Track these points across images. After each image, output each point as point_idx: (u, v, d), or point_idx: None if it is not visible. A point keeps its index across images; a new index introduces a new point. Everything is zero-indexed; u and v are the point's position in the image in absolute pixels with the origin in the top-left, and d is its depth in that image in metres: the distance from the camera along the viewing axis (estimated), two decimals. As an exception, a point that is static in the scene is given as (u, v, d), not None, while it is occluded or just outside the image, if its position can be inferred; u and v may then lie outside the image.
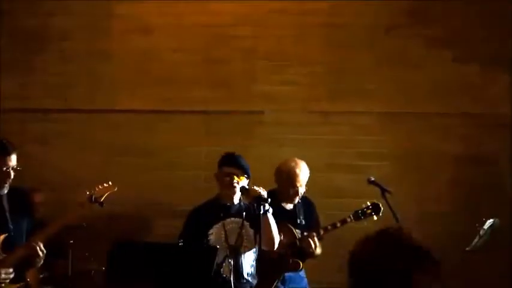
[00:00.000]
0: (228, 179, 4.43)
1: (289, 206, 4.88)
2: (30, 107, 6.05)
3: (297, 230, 4.81)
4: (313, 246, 4.70)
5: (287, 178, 4.80)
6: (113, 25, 6.09)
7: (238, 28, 5.96)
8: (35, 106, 6.05)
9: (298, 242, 4.77)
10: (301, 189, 4.81)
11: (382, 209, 4.65)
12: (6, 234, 3.91)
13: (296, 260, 4.77)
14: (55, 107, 6.05)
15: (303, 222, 4.88)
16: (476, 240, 4.61)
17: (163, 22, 6.04)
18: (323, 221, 4.90)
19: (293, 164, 4.83)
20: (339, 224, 4.71)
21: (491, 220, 4.59)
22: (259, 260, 4.47)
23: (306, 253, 4.77)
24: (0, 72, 6.10)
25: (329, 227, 4.71)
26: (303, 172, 4.81)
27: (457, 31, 5.70)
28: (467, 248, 4.60)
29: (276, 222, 4.43)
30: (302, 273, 4.88)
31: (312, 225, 4.88)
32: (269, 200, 4.26)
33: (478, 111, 5.66)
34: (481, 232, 4.60)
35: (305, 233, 4.78)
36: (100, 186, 4.12)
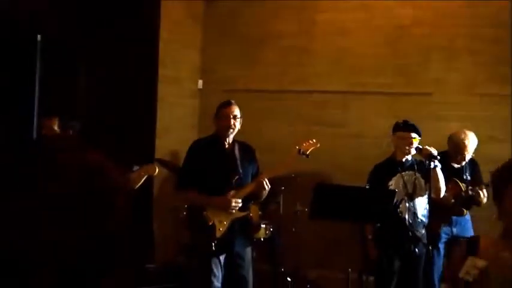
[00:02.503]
0: (406, 141, 4.84)
1: (457, 166, 5.33)
2: (253, 88, 6.89)
3: (462, 184, 5.24)
4: (482, 195, 5.17)
5: (456, 146, 5.24)
6: (316, 28, 6.82)
7: (417, 28, 6.46)
8: (257, 88, 6.89)
9: (463, 193, 5.21)
10: (468, 156, 5.23)
11: None
12: (237, 177, 4.39)
13: (461, 207, 5.26)
14: (273, 88, 6.88)
15: (468, 178, 5.30)
16: None
17: (356, 25, 6.67)
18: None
19: (463, 136, 5.21)
20: None
21: None
22: (432, 205, 4.74)
23: (473, 202, 5.19)
24: (231, 63, 7.03)
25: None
26: (470, 143, 5.20)
27: None
28: None
29: (445, 177, 4.80)
30: (467, 217, 5.33)
31: (475, 180, 5.31)
32: (438, 157, 4.64)
33: None
34: None
35: (470, 187, 5.19)
36: (306, 143, 4.52)
